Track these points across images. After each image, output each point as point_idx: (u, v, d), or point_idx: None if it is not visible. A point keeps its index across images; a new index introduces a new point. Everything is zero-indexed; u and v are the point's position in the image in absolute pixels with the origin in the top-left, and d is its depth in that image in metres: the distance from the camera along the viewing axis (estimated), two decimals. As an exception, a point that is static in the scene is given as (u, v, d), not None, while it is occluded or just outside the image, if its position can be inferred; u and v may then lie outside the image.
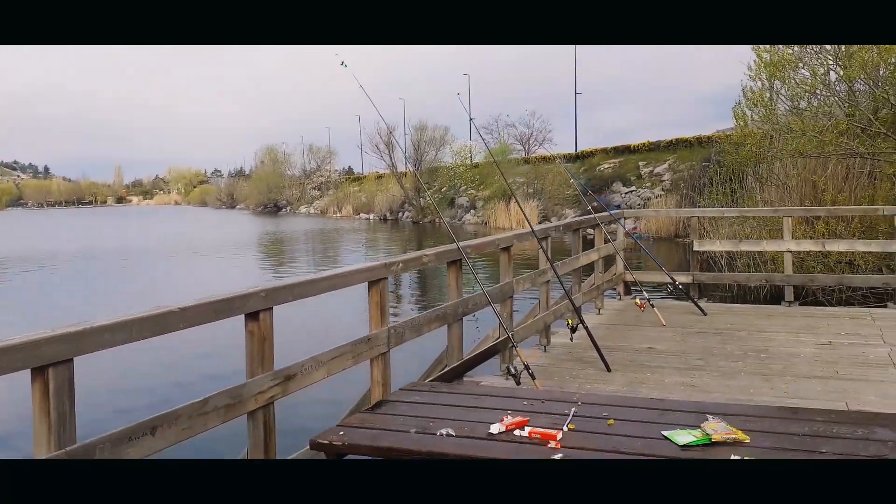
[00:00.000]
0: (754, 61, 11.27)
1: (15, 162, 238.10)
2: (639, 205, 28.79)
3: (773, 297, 9.54)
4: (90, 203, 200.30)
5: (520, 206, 12.96)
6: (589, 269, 7.99)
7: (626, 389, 5.12)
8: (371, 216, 51.10)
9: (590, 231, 8.55)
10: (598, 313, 7.99)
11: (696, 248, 8.55)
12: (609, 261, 8.66)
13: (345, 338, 3.60)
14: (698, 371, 5.57)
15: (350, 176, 70.20)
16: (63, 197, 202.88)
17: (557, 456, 2.67)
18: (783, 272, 8.20)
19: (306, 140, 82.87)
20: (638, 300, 7.42)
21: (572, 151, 41.77)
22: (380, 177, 54.89)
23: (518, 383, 4.41)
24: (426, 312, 4.17)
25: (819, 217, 9.87)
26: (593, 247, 8.00)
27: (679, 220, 20.96)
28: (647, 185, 30.44)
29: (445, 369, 4.60)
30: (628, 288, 9.22)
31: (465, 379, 4.76)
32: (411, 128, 45.38)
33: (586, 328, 5.73)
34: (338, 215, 57.96)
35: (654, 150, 32.57)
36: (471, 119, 59.80)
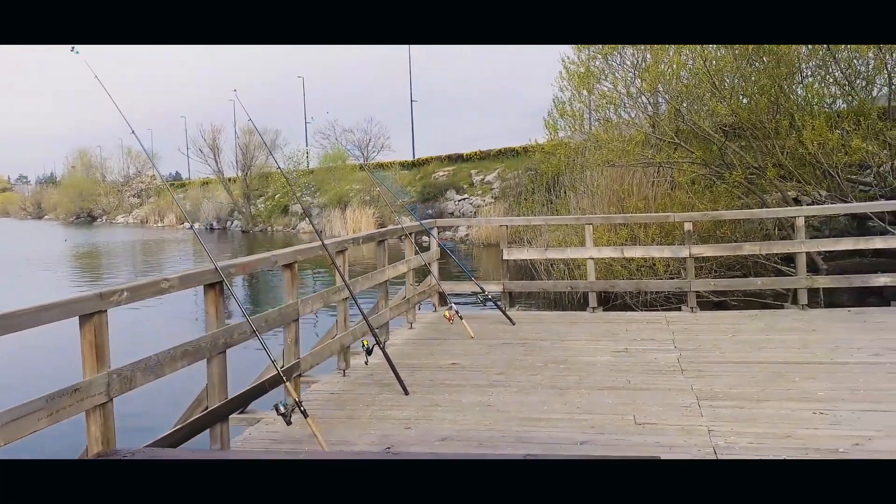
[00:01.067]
0: (560, 72, 11.64)
1: None
2: (471, 212, 29.33)
3: (583, 303, 9.78)
4: None
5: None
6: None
7: (419, 415, 4.78)
8: (196, 225, 47.98)
9: (425, 239, 8.26)
10: (410, 327, 7.65)
11: (505, 256, 8.49)
12: (425, 272, 8.40)
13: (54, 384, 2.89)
14: (498, 388, 5.34)
15: (173, 182, 65.67)
16: None
17: None
18: (587, 278, 8.36)
19: (125, 143, 76.18)
20: (447, 312, 7.16)
21: (410, 158, 41.92)
22: (206, 183, 51.82)
23: (288, 423, 3.86)
24: (170, 348, 3.50)
25: (624, 224, 10.30)
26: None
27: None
28: (479, 192, 31.11)
29: (205, 411, 3.95)
30: (444, 299, 9.00)
31: (231, 419, 4.13)
32: (239, 130, 43.18)
33: (382, 349, 5.31)
34: (159, 224, 53.97)
35: (485, 158, 33.40)
36: (307, 122, 58.61)
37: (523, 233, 12.06)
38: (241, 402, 4.13)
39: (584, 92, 11.32)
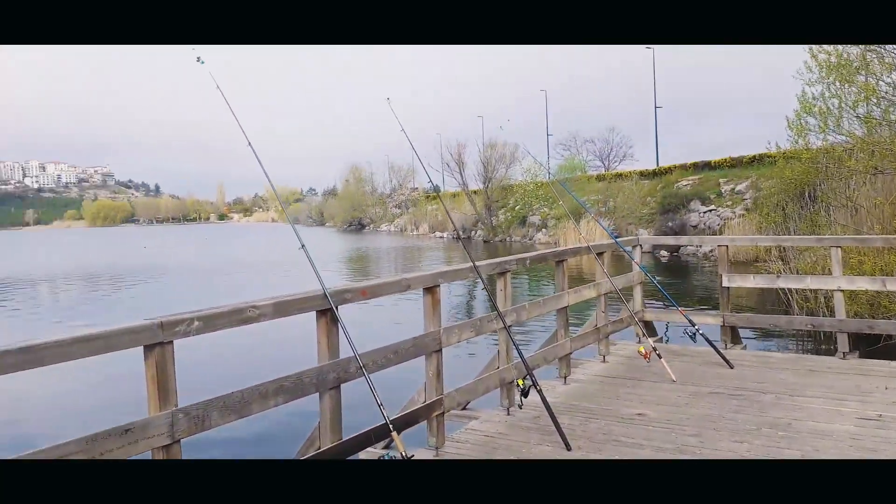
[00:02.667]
0: (805, 62, 9.51)
1: (129, 181, 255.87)
2: (718, 225, 26.55)
3: (830, 345, 7.90)
4: (195, 220, 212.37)
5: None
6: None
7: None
8: (445, 234, 50.44)
9: (664, 254, 7.34)
10: (603, 361, 6.69)
11: (724, 283, 7.08)
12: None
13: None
14: (685, 457, 4.25)
15: (428, 194, 69.98)
16: (170, 214, 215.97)
17: None
18: (833, 315, 6.61)
19: (392, 159, 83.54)
20: (642, 348, 6.09)
21: (652, 167, 39.58)
22: (454, 195, 54.28)
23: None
24: (259, 383, 3.13)
25: (889, 248, 8.06)
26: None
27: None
28: (728, 203, 28.08)
29: (317, 452, 3.56)
30: (653, 329, 7.85)
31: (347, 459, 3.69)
32: (482, 145, 44.45)
33: (539, 392, 4.52)
34: (415, 233, 57.77)
35: (735, 166, 30.11)
36: (548, 135, 58.66)
37: (766, 254, 10.17)
38: (357, 446, 3.67)
39: (838, 84, 9.10)
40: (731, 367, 6.20)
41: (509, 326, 5.06)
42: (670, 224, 28.88)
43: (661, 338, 7.82)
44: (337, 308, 3.53)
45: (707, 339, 6.42)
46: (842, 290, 6.49)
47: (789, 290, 9.51)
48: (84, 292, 23.07)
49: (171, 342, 2.80)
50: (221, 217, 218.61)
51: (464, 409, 5.24)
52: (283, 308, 3.30)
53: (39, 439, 2.65)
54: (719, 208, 28.14)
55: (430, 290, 4.28)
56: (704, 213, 28.49)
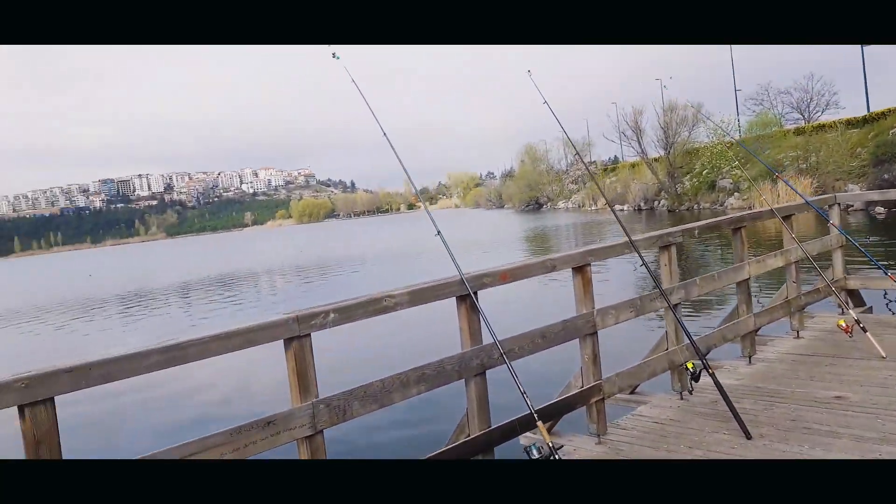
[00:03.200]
0: None
1: (329, 179, 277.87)
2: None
3: None
4: (386, 211, 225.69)
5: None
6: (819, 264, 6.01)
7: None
8: (625, 207, 48.60)
9: (880, 209, 6.49)
10: (797, 336, 5.96)
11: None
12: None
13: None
14: (889, 445, 3.63)
15: (605, 167, 67.77)
16: (365, 207, 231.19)
17: None
18: None
19: (563, 136, 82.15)
20: (843, 321, 5.32)
21: (861, 115, 34.88)
22: (633, 165, 51.99)
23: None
24: (401, 372, 3.11)
25: None
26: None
27: None
28: (964, 146, 23.94)
29: (467, 439, 3.50)
30: (860, 299, 6.87)
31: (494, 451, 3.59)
32: (659, 109, 41.96)
33: (712, 376, 4.09)
34: (593, 208, 56.36)
35: (974, 100, 25.50)
36: (736, 90, 53.97)
37: None
38: (502, 436, 3.55)
39: None
40: (962, 341, 5.23)
41: (675, 305, 4.65)
42: (886, 176, 25.27)
43: (870, 308, 6.80)
44: (475, 294, 3.43)
45: (928, 309, 5.46)
46: None
47: None
48: (297, 283, 25.32)
49: (309, 335, 2.86)
50: (410, 206, 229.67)
51: (632, 393, 4.93)
52: (420, 296, 3.26)
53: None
54: (952, 153, 24.11)
55: (580, 270, 4.03)
56: (932, 159, 24.58)
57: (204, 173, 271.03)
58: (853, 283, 6.66)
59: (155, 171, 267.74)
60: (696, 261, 17.60)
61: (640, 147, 44.09)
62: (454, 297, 3.45)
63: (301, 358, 2.84)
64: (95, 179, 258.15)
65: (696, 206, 38.49)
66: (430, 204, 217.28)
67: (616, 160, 78.06)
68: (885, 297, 6.79)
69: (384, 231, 66.78)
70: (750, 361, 5.38)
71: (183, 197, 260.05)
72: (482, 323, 3.46)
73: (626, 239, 4.31)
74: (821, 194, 28.65)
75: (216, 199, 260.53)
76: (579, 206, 62.38)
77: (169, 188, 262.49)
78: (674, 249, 4.73)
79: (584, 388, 4.07)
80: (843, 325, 5.30)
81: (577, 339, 4.04)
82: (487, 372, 3.53)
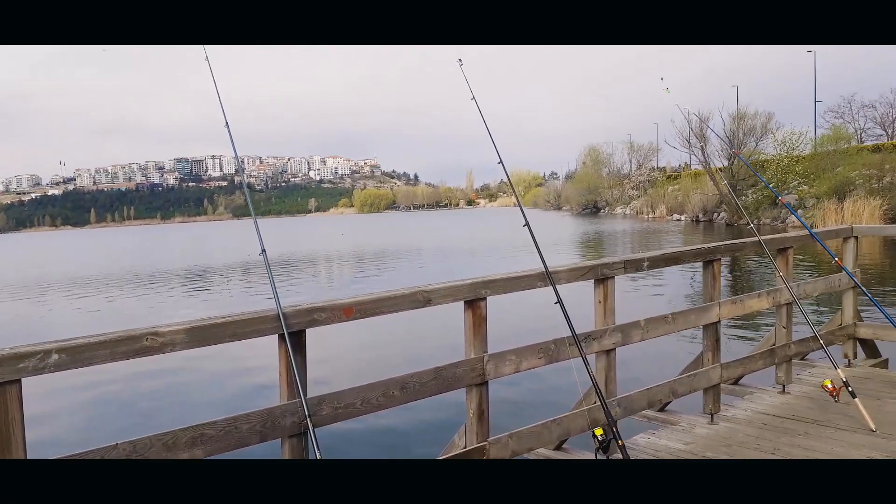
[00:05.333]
0: None
1: (393, 171, 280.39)
2: None
3: None
4: (446, 206, 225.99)
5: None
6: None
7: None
8: (683, 217, 46.69)
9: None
10: (783, 392, 5.09)
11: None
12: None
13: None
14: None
15: (669, 175, 65.46)
16: (425, 200, 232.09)
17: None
18: None
19: (634, 137, 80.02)
20: (829, 381, 4.45)
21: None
22: (696, 174, 49.89)
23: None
24: (370, 383, 2.56)
25: None
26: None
27: None
28: None
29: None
30: (873, 350, 5.90)
31: None
32: (726, 115, 39.91)
33: (622, 448, 3.33)
34: (651, 216, 54.45)
35: None
36: (816, 101, 51.10)
37: None
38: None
39: None
40: (977, 417, 4.28)
41: (609, 351, 3.91)
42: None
43: (885, 361, 5.83)
44: (301, 333, 2.81)
45: (940, 374, 4.52)
46: None
47: None
48: (355, 270, 25.32)
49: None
50: (470, 202, 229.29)
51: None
52: (204, 335, 2.58)
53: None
54: None
55: (472, 305, 3.35)
56: None
57: (275, 158, 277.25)
58: (864, 332, 5.70)
59: (228, 153, 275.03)
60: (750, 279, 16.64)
61: (704, 156, 42.08)
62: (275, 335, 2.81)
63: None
64: (171, 157, 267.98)
65: (756, 221, 36.50)
66: (490, 201, 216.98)
67: (688, 167, 75.62)
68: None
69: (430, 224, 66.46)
70: (712, 420, 4.57)
71: (252, 180, 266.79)
72: (302, 369, 2.80)
73: (542, 270, 3.59)
74: (891, 218, 26.56)
75: (284, 183, 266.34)
76: (636, 213, 60.46)
77: (240, 170, 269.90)
78: (612, 284, 3.97)
79: (466, 448, 3.38)
80: (830, 385, 4.43)
81: (457, 390, 3.37)
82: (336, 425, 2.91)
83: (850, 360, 5.72)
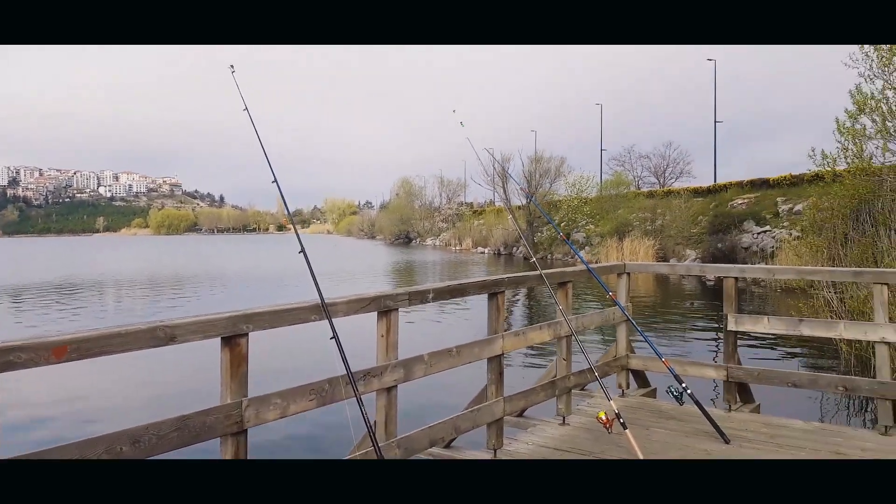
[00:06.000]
0: (867, 54, 7.69)
1: (196, 191, 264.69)
2: (772, 248, 24.27)
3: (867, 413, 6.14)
4: (254, 230, 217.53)
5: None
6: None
7: None
8: (487, 250, 49.03)
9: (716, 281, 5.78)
10: (563, 423, 5.18)
11: (730, 326, 5.47)
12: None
13: None
14: None
15: (475, 210, 68.71)
16: (231, 224, 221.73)
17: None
18: (873, 375, 4.92)
19: (444, 173, 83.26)
20: (603, 413, 4.57)
21: (708, 185, 37.22)
22: (499, 211, 52.81)
23: None
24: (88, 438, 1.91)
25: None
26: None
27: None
28: (785, 224, 25.71)
29: None
30: (644, 380, 6.27)
31: None
32: (525, 157, 42.84)
33: None
34: (458, 248, 56.54)
35: (796, 184, 27.59)
36: (602, 149, 56.64)
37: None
38: None
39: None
40: (727, 442, 4.63)
41: (391, 388, 3.67)
42: (720, 245, 26.69)
43: (653, 390, 6.23)
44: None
45: (696, 402, 4.84)
46: (886, 343, 4.81)
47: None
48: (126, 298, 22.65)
49: None
50: (280, 228, 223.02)
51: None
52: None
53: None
54: (775, 229, 25.81)
55: (230, 342, 2.93)
56: (758, 234, 26.21)
57: (57, 170, 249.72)
58: (635, 363, 6.05)
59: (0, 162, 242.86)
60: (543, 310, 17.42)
61: (505, 193, 44.65)
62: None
63: None
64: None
65: (549, 256, 39.26)
66: (302, 227, 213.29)
67: (492, 203, 79.63)
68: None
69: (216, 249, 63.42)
70: (494, 455, 4.50)
71: (29, 193, 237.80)
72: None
73: (318, 301, 3.26)
74: (661, 257, 29.89)
75: (68, 199, 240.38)
76: (445, 245, 62.49)
77: (14, 182, 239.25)
78: (395, 316, 3.75)
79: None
80: (604, 417, 4.55)
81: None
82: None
83: (623, 390, 6.03)
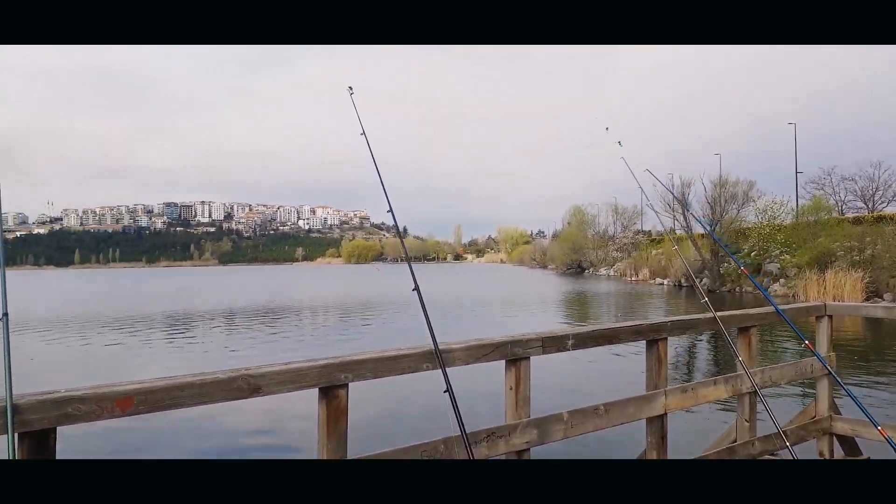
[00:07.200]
0: None
1: (382, 223, 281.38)
2: None
3: None
4: (433, 259, 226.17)
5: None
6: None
7: None
8: (666, 281, 46.21)
9: None
10: None
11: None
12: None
13: None
14: None
15: (653, 238, 65.38)
16: (413, 253, 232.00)
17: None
18: None
19: (618, 200, 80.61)
20: None
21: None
22: (680, 239, 49.70)
23: None
24: None
25: None
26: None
27: None
28: None
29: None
30: (854, 447, 5.11)
31: None
32: (708, 182, 39.88)
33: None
34: (634, 279, 54.00)
35: None
36: (797, 172, 51.51)
37: None
38: None
39: None
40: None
41: (522, 451, 3.12)
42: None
43: (867, 460, 5.03)
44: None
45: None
46: None
47: None
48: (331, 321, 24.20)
49: None
50: (457, 257, 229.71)
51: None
52: None
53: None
54: None
55: (328, 394, 2.56)
56: None
57: (264, 206, 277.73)
58: (841, 427, 4.92)
59: (217, 200, 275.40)
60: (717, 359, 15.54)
61: (685, 220, 41.85)
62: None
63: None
64: (161, 202, 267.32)
65: (737, 289, 36.01)
66: (477, 257, 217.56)
67: (672, 231, 75.38)
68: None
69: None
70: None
71: (241, 227, 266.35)
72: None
73: (431, 347, 2.81)
74: (872, 291, 26.09)
75: (272, 231, 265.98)
76: (620, 275, 60.06)
77: (229, 217, 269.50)
78: (526, 366, 3.19)
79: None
80: None
81: None
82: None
83: (825, 459, 4.92)
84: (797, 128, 49.57)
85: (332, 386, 2.58)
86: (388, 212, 3.25)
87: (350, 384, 2.63)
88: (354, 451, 2.63)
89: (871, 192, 45.48)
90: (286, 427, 8.42)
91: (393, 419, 8.54)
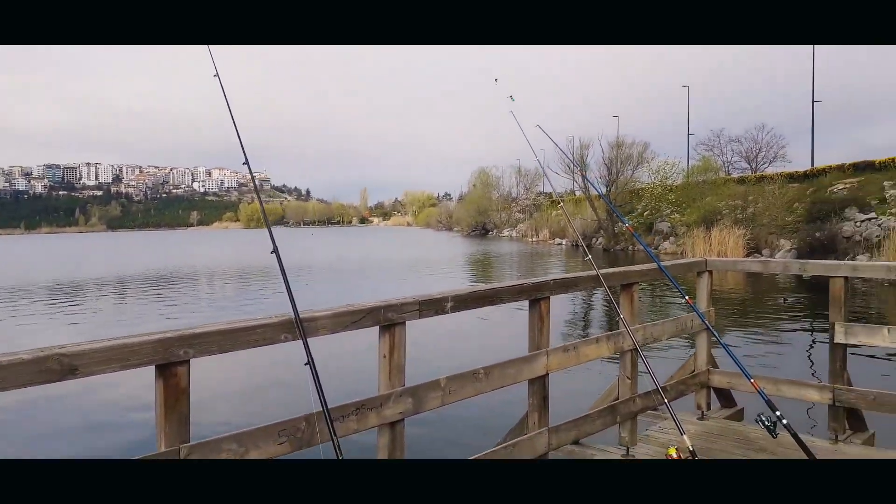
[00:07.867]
0: None
1: (283, 185, 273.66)
2: (878, 237, 22.01)
3: None
4: (338, 223, 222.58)
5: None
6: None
7: None
8: (564, 241, 47.62)
9: None
10: (626, 455, 4.32)
11: (839, 338, 4.43)
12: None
13: None
14: None
15: (553, 199, 67.08)
16: (316, 217, 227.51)
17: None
18: None
19: (523, 163, 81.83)
20: (674, 450, 3.67)
21: (805, 169, 34.55)
22: (578, 201, 51.18)
23: None
24: None
25: None
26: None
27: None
28: (894, 210, 23.30)
29: None
30: (729, 398, 5.29)
31: None
32: (605, 143, 41.11)
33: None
34: (535, 240, 55.33)
35: (908, 165, 25.05)
36: (689, 134, 53.94)
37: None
38: None
39: None
40: (836, 489, 3.63)
41: (395, 423, 2.93)
42: (818, 234, 24.50)
43: (740, 411, 5.23)
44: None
45: (793, 434, 3.84)
46: None
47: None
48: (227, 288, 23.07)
49: None
50: (362, 220, 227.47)
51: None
52: None
53: None
54: (881, 217, 23.43)
55: (164, 372, 2.26)
56: (862, 221, 23.86)
57: (156, 167, 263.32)
58: (718, 380, 5.07)
59: (105, 161, 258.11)
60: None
61: (583, 182, 43.07)
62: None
63: None
64: (41, 164, 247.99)
65: (630, 248, 37.55)
66: (384, 220, 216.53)
67: (572, 193, 77.55)
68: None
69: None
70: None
71: (131, 190, 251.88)
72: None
73: (291, 316, 2.55)
74: (753, 247, 27.83)
75: (165, 194, 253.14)
76: (522, 236, 61.36)
77: (117, 179, 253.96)
78: (402, 331, 3.00)
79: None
80: (674, 454, 3.66)
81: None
82: None
83: (703, 412, 5.07)
84: (690, 91, 51.72)
85: (169, 363, 2.28)
86: (243, 164, 2.92)
87: (193, 360, 2.33)
88: (199, 435, 2.36)
89: (754, 152, 48.35)
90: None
91: (254, 399, 7.55)
